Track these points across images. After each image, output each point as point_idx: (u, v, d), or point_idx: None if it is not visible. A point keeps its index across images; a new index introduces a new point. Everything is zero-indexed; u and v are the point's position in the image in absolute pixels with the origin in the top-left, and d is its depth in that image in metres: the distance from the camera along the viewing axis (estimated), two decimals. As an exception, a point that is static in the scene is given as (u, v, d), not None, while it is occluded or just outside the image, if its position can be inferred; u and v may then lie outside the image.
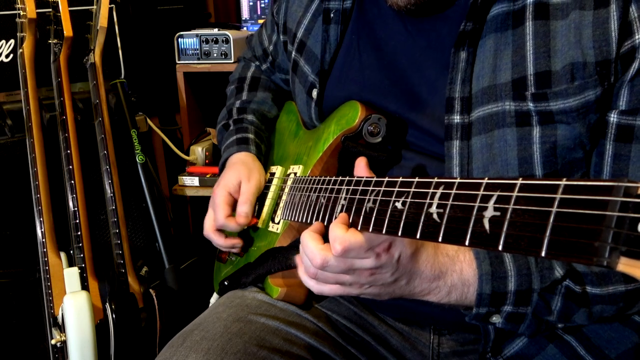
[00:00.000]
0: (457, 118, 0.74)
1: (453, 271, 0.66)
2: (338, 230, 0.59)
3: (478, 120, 0.73)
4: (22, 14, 1.37)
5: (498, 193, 0.42)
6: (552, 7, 0.70)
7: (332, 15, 0.91)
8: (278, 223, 0.91)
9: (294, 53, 0.99)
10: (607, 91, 0.68)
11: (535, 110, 0.70)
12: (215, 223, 0.96)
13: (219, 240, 0.97)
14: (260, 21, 1.93)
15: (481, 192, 0.44)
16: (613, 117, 0.69)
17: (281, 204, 0.92)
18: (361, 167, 0.71)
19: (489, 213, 0.42)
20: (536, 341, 0.75)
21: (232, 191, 0.96)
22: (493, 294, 0.66)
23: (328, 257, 0.61)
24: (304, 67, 0.96)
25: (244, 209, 0.93)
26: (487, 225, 0.42)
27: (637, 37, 0.65)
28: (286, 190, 0.92)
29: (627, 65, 0.67)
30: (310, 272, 0.65)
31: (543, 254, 0.37)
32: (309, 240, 0.63)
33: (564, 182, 0.38)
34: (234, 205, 0.96)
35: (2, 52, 1.46)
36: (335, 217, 0.64)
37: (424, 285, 0.66)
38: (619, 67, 0.67)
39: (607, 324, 0.74)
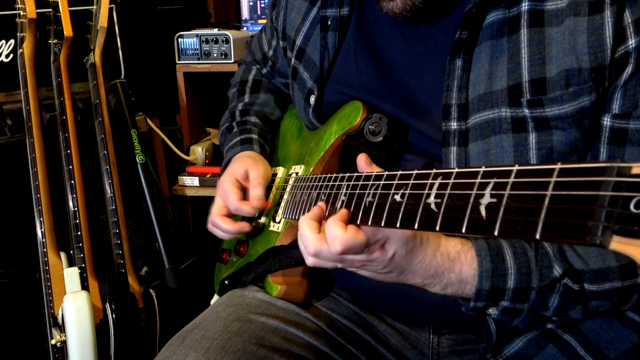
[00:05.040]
0: (454, 124, 0.75)
1: (451, 272, 0.66)
2: (337, 230, 0.59)
3: (475, 127, 0.74)
4: (22, 14, 1.37)
5: (495, 180, 0.43)
6: (546, 14, 0.71)
7: (329, 22, 0.91)
8: (279, 222, 0.91)
9: (293, 60, 0.99)
10: (602, 96, 0.69)
11: (531, 117, 0.70)
12: (224, 209, 0.94)
13: (226, 225, 0.93)
14: (260, 21, 1.93)
15: (478, 180, 0.44)
16: (606, 121, 0.69)
17: (282, 203, 0.92)
18: (362, 164, 0.71)
19: (486, 200, 0.43)
20: (536, 341, 0.75)
21: (240, 178, 0.95)
22: (492, 290, 0.66)
23: (321, 247, 0.61)
24: (303, 73, 0.96)
25: (257, 192, 0.92)
26: (483, 212, 0.42)
27: (630, 42, 0.66)
28: (287, 189, 0.92)
29: (621, 70, 0.67)
30: (311, 260, 0.65)
31: (537, 236, 0.37)
32: (305, 228, 0.63)
33: (559, 165, 0.38)
34: (242, 191, 0.94)
35: (2, 52, 1.46)
36: (336, 213, 0.64)
37: (417, 280, 0.66)
38: (612, 72, 0.67)
39: (606, 323, 0.75)
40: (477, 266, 0.66)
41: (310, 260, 0.65)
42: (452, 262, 0.66)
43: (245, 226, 0.93)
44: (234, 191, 0.92)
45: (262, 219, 0.96)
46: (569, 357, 0.74)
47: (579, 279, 0.67)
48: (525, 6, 0.72)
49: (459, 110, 0.74)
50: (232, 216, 0.95)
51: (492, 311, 0.69)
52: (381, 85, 0.85)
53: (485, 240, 0.68)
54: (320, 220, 0.66)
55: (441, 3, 0.78)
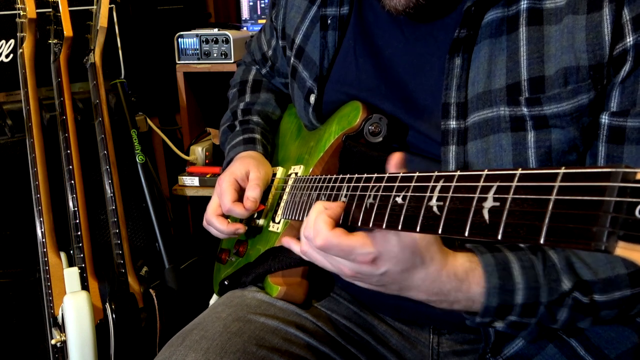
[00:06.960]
0: (453, 123, 0.74)
1: (458, 291, 0.64)
2: (323, 225, 0.59)
3: (474, 126, 0.73)
4: (22, 14, 1.37)
5: (498, 184, 0.42)
6: (545, 12, 0.70)
7: (329, 21, 0.91)
8: (278, 223, 0.91)
9: (292, 59, 0.99)
10: (601, 94, 0.68)
11: (529, 115, 0.70)
12: (219, 208, 0.93)
13: (220, 226, 0.92)
14: (260, 21, 1.93)
15: (481, 184, 0.44)
16: (604, 119, 0.69)
17: (282, 204, 0.92)
18: (393, 163, 0.66)
19: (489, 204, 0.42)
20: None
21: (239, 179, 0.94)
22: (500, 307, 0.65)
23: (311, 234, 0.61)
24: (303, 72, 0.96)
25: (253, 193, 0.91)
26: (486, 216, 0.42)
27: (628, 39, 0.66)
28: (287, 190, 0.92)
29: (619, 68, 0.67)
30: (303, 247, 0.65)
31: (542, 241, 0.37)
32: (314, 211, 0.63)
33: (562, 170, 0.38)
34: (240, 193, 0.94)
35: (2, 52, 1.46)
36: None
37: (421, 296, 0.65)
38: (611, 70, 0.67)
39: (607, 324, 0.74)
40: (484, 282, 0.65)
41: (303, 244, 0.65)
42: (459, 282, 0.64)
43: (239, 228, 0.92)
44: (229, 191, 0.92)
45: (262, 219, 0.96)
46: (569, 357, 0.73)
47: (589, 290, 0.66)
48: (524, 4, 0.71)
49: (458, 109, 0.74)
50: (229, 216, 0.95)
51: (498, 324, 0.68)
52: (381, 85, 0.85)
53: (491, 254, 0.67)
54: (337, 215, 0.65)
55: (443, 0, 0.78)
